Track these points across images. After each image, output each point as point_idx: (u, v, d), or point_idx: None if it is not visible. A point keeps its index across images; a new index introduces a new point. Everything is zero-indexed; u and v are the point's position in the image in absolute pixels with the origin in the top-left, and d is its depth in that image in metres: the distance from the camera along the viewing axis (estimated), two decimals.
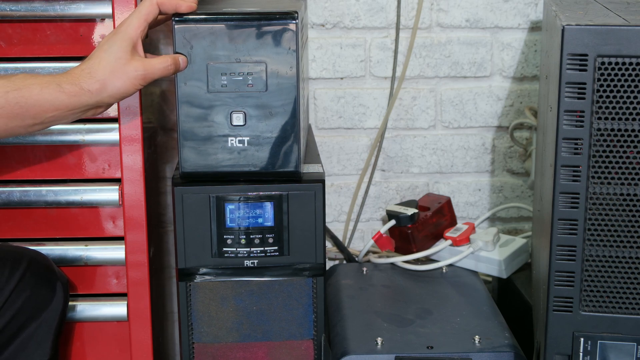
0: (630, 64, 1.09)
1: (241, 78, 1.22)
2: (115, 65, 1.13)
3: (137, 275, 1.29)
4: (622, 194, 1.14)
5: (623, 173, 1.13)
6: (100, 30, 1.26)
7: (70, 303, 1.31)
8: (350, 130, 1.73)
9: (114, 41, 1.14)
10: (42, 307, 1.22)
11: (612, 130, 1.12)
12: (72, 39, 1.26)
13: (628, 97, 1.11)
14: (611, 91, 1.11)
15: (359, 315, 1.39)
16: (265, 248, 1.27)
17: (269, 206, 1.26)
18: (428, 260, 1.61)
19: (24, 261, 1.21)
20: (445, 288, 1.49)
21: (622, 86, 1.10)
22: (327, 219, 1.75)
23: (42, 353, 1.22)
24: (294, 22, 1.20)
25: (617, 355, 1.18)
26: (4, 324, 1.18)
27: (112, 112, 1.28)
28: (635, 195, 1.13)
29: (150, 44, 1.32)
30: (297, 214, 1.27)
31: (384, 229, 1.60)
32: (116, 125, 1.27)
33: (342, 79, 1.70)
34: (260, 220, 1.26)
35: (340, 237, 1.76)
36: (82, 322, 1.33)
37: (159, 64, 1.16)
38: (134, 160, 1.27)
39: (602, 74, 1.10)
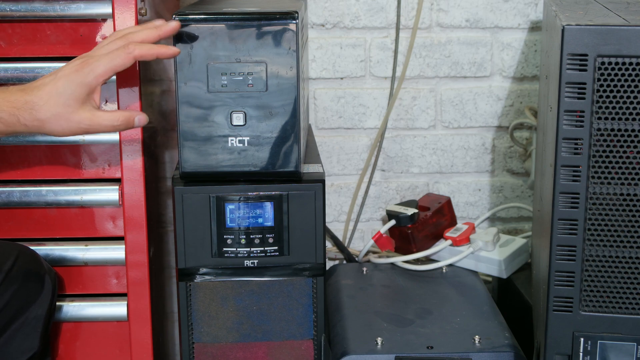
0: (630, 64, 1.09)
1: (241, 78, 1.22)
2: (61, 111, 1.08)
3: (137, 275, 1.29)
4: (622, 194, 1.14)
5: (623, 173, 1.13)
6: (100, 31, 1.26)
7: (70, 303, 1.31)
8: (350, 130, 1.73)
9: (71, 82, 1.08)
10: (30, 300, 1.22)
11: (612, 130, 1.12)
12: (72, 39, 1.26)
13: (628, 97, 1.11)
14: (611, 91, 1.11)
15: (359, 315, 1.39)
16: (265, 248, 1.27)
17: (269, 206, 1.26)
18: (428, 260, 1.61)
19: (12, 255, 1.21)
20: (445, 288, 1.49)
21: (622, 86, 1.10)
22: (327, 219, 1.75)
23: (30, 346, 1.22)
24: (294, 22, 1.20)
25: (617, 355, 1.18)
26: None
27: None
28: (635, 195, 1.13)
29: None
30: (297, 214, 1.27)
31: (384, 229, 1.60)
32: None
33: (342, 79, 1.70)
34: (260, 220, 1.26)
35: (340, 237, 1.76)
36: (82, 322, 1.33)
37: (107, 121, 1.11)
38: (134, 160, 1.27)
39: (602, 74, 1.10)
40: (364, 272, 1.57)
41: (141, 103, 1.26)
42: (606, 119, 1.12)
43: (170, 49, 1.16)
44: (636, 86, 1.10)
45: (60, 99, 1.08)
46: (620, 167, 1.13)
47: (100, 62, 1.09)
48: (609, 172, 1.13)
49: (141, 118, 1.15)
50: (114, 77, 1.24)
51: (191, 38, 1.20)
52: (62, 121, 1.09)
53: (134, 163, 1.27)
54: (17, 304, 1.21)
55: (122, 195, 1.28)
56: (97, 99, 1.11)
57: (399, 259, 1.57)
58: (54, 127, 1.09)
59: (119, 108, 1.25)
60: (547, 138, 1.23)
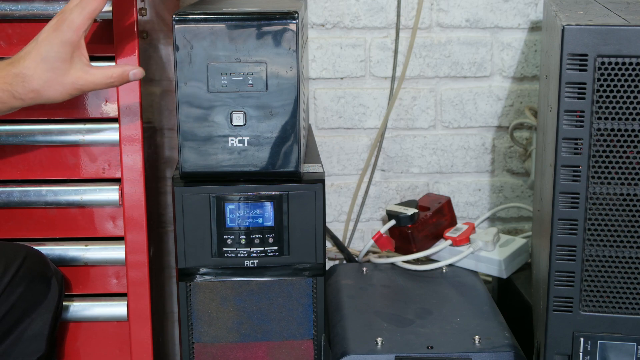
0: (630, 64, 1.09)
1: (241, 78, 1.22)
2: (52, 76, 1.06)
3: (137, 275, 1.29)
4: (622, 194, 1.14)
5: (623, 173, 1.13)
6: (100, 30, 1.26)
7: (70, 303, 1.31)
8: (350, 130, 1.73)
9: (52, 44, 1.05)
10: (36, 302, 1.22)
11: (612, 130, 1.12)
12: None
13: (628, 97, 1.11)
14: (611, 91, 1.11)
15: (359, 315, 1.39)
16: (265, 248, 1.27)
17: (269, 206, 1.26)
18: (428, 260, 1.61)
19: (19, 257, 1.21)
20: (445, 288, 1.49)
21: (622, 86, 1.10)
22: (327, 219, 1.75)
23: (36, 349, 1.22)
24: (294, 22, 1.20)
25: (617, 355, 1.18)
26: None
27: (112, 112, 1.28)
28: (635, 195, 1.13)
29: (150, 44, 1.32)
30: (297, 214, 1.27)
31: (384, 229, 1.60)
32: (116, 125, 1.27)
33: (342, 79, 1.70)
34: (260, 220, 1.26)
35: (340, 237, 1.76)
36: (82, 322, 1.33)
37: (102, 77, 1.09)
38: (134, 160, 1.27)
39: (602, 74, 1.10)
40: (364, 272, 1.57)
41: (141, 103, 1.26)
42: (606, 119, 1.12)
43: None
44: (636, 86, 1.10)
45: (47, 64, 1.06)
46: (620, 167, 1.13)
47: (74, 13, 1.07)
48: (609, 172, 1.13)
49: (136, 72, 1.12)
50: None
51: (191, 38, 1.20)
52: (57, 86, 1.07)
53: (134, 163, 1.27)
54: (24, 306, 1.20)
55: (122, 195, 1.28)
56: (85, 54, 1.08)
57: (399, 259, 1.57)
58: (51, 93, 1.07)
59: (119, 108, 1.25)
60: (547, 138, 1.23)
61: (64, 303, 1.31)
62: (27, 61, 1.06)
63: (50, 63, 1.06)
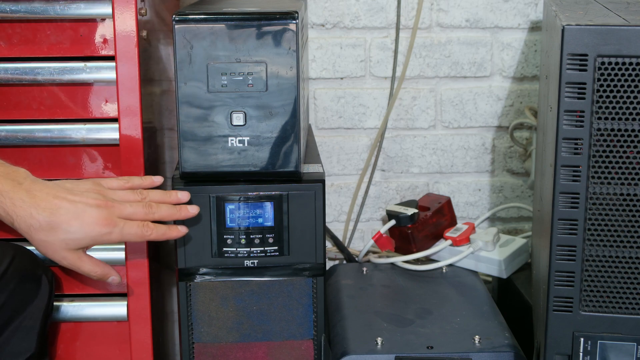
0: (630, 64, 1.09)
1: (241, 78, 1.22)
2: (57, 245, 1.10)
3: (137, 275, 1.29)
4: (622, 194, 1.14)
5: (623, 173, 1.13)
6: (101, 31, 1.26)
7: (70, 303, 1.31)
8: (350, 130, 1.73)
9: (83, 234, 1.11)
10: (26, 301, 1.21)
11: (612, 130, 1.12)
12: (72, 39, 1.26)
13: (628, 97, 1.11)
14: (611, 91, 1.11)
15: (359, 315, 1.39)
16: (265, 248, 1.27)
17: (269, 206, 1.26)
18: (428, 260, 1.61)
19: (8, 256, 1.20)
20: (445, 288, 1.49)
21: (622, 86, 1.10)
22: (327, 219, 1.75)
23: (27, 347, 1.21)
24: (294, 22, 1.20)
25: (617, 355, 1.18)
26: None
27: (112, 112, 1.28)
28: (635, 195, 1.13)
29: (150, 45, 1.32)
30: (297, 214, 1.27)
31: (384, 229, 1.60)
32: (116, 125, 1.27)
33: (342, 79, 1.70)
34: (260, 220, 1.26)
35: (340, 237, 1.76)
36: (82, 322, 1.33)
37: (87, 268, 1.15)
38: (134, 160, 1.27)
39: (602, 74, 1.10)
40: (364, 272, 1.57)
41: (141, 103, 1.26)
42: (606, 119, 1.12)
43: (180, 231, 1.19)
44: (636, 86, 1.10)
45: (66, 236, 1.10)
46: (620, 167, 1.13)
47: (114, 234, 1.13)
48: (609, 172, 1.13)
49: (115, 279, 1.18)
50: (114, 75, 1.24)
51: (191, 38, 1.20)
52: (51, 250, 1.11)
53: (134, 163, 1.27)
54: (13, 306, 1.20)
55: None
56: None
57: (399, 259, 1.57)
58: (40, 247, 1.11)
59: (119, 108, 1.25)
60: (547, 138, 1.23)
61: (64, 303, 1.30)
62: (55, 217, 1.10)
63: (68, 241, 1.11)
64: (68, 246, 1.11)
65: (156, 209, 1.17)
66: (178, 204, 1.20)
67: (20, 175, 1.12)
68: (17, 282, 1.19)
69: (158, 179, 1.23)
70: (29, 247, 1.26)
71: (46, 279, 1.24)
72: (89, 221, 1.11)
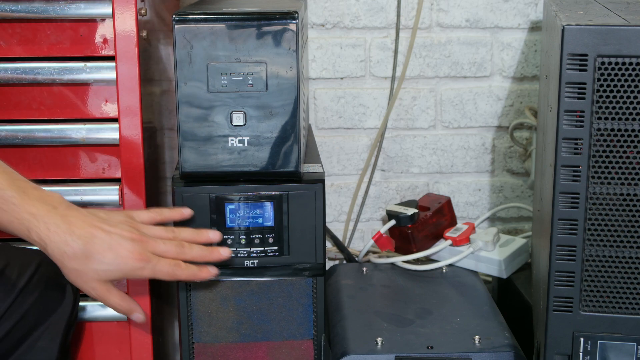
0: (630, 64, 1.09)
1: (241, 78, 1.22)
2: (89, 275, 1.08)
3: None
4: (622, 194, 1.14)
5: (623, 173, 1.13)
6: (101, 31, 1.26)
7: None
8: (350, 130, 1.73)
9: (116, 267, 1.09)
10: (49, 310, 1.20)
11: (612, 130, 1.12)
12: (72, 39, 1.26)
13: (628, 97, 1.11)
14: (611, 91, 1.11)
15: (359, 315, 1.39)
16: (265, 248, 1.27)
17: (269, 206, 1.26)
18: (428, 260, 1.61)
19: (33, 264, 1.18)
20: (445, 288, 1.49)
21: (622, 86, 1.10)
22: (327, 219, 1.75)
23: (48, 357, 1.19)
24: (294, 22, 1.20)
25: (617, 355, 1.18)
26: (9, 327, 1.15)
27: (112, 112, 1.28)
28: (635, 195, 1.13)
29: (150, 45, 1.32)
30: (297, 214, 1.27)
31: (384, 229, 1.60)
32: (116, 125, 1.27)
33: (342, 79, 1.70)
34: (260, 220, 1.26)
35: (340, 237, 1.76)
36: (82, 322, 1.33)
37: (114, 302, 1.12)
38: (134, 160, 1.27)
39: (602, 74, 1.10)
40: (364, 272, 1.57)
41: (141, 103, 1.26)
42: (606, 119, 1.12)
43: (210, 273, 1.18)
44: (636, 86, 1.10)
45: (99, 267, 1.08)
46: (620, 167, 1.13)
47: (146, 270, 1.11)
48: (609, 172, 1.13)
49: (139, 317, 1.16)
50: (114, 75, 1.24)
51: (191, 38, 1.20)
52: (81, 279, 1.09)
53: (134, 163, 1.27)
54: (36, 314, 1.17)
55: (122, 195, 1.28)
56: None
57: (399, 259, 1.57)
58: (71, 275, 1.09)
59: (119, 108, 1.25)
60: (547, 138, 1.23)
61: None
62: (90, 247, 1.08)
63: (100, 273, 1.09)
64: (99, 277, 1.09)
65: (188, 249, 1.15)
66: (209, 244, 1.19)
67: (54, 199, 1.09)
68: (41, 291, 1.18)
69: (187, 212, 1.22)
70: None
71: (71, 288, 1.22)
72: (123, 254, 1.09)
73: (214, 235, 1.20)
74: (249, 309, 1.29)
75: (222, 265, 1.27)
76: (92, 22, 1.27)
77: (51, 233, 1.06)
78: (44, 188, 1.10)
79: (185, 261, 1.15)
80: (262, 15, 1.21)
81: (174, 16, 1.20)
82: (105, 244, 1.08)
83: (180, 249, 1.15)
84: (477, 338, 1.30)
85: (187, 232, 1.18)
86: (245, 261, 1.27)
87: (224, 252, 1.19)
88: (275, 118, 1.23)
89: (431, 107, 1.72)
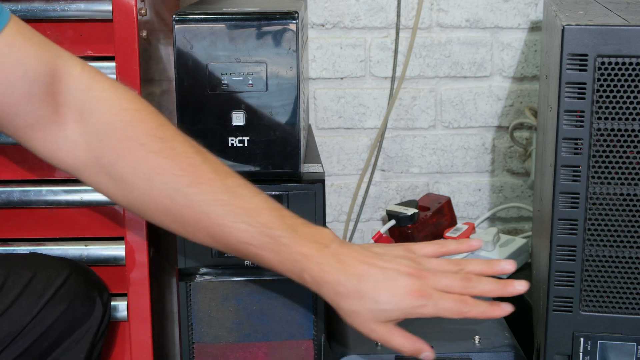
0: (630, 64, 1.09)
1: (241, 78, 1.22)
2: (366, 316, 0.99)
3: (137, 275, 1.29)
4: (622, 194, 1.14)
5: (623, 173, 1.13)
6: (101, 31, 1.26)
7: None
8: (350, 130, 1.73)
9: (394, 307, 0.98)
10: (77, 324, 1.16)
11: (612, 130, 1.12)
12: (72, 39, 1.26)
13: (628, 97, 1.11)
14: (611, 91, 1.11)
15: None
16: None
17: None
18: None
19: (63, 274, 1.16)
20: None
21: (622, 86, 1.10)
22: (327, 219, 1.75)
23: None
24: (294, 22, 1.20)
25: (617, 355, 1.18)
26: (30, 342, 1.12)
27: None
28: (635, 195, 1.13)
29: (150, 45, 1.32)
30: (297, 213, 1.26)
31: (384, 229, 1.60)
32: None
33: (342, 79, 1.70)
34: None
35: (340, 237, 1.76)
36: None
37: (397, 342, 1.01)
38: None
39: (602, 74, 1.10)
40: None
41: None
42: (606, 119, 1.12)
43: (504, 311, 1.03)
44: (636, 86, 1.10)
45: (374, 306, 0.99)
46: (620, 167, 1.13)
47: (427, 307, 0.99)
48: (609, 172, 1.13)
49: (429, 355, 1.04)
50: (114, 75, 1.24)
51: (191, 38, 1.20)
52: (358, 321, 1.00)
53: None
54: (63, 327, 1.15)
55: None
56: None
57: None
58: (348, 317, 1.00)
59: None
60: (547, 138, 1.23)
61: None
62: (362, 286, 0.98)
63: (377, 312, 0.99)
64: (377, 318, 0.99)
65: (476, 282, 1.01)
66: (501, 277, 1.06)
67: (325, 236, 1.02)
68: (68, 303, 1.15)
69: (477, 243, 1.09)
70: (31, 247, 1.25)
71: (100, 301, 1.20)
72: (399, 291, 0.98)
73: (509, 265, 1.05)
74: (249, 309, 1.29)
75: (222, 265, 1.27)
76: (92, 22, 1.26)
77: (325, 274, 0.99)
78: (312, 225, 1.03)
79: (473, 296, 1.01)
80: (262, 15, 1.21)
81: (174, 16, 1.20)
82: (379, 281, 0.98)
83: (467, 282, 1.01)
84: (477, 338, 1.30)
85: (475, 264, 1.04)
86: (246, 261, 1.27)
87: (520, 286, 1.02)
88: (275, 118, 1.23)
89: (431, 107, 1.72)
